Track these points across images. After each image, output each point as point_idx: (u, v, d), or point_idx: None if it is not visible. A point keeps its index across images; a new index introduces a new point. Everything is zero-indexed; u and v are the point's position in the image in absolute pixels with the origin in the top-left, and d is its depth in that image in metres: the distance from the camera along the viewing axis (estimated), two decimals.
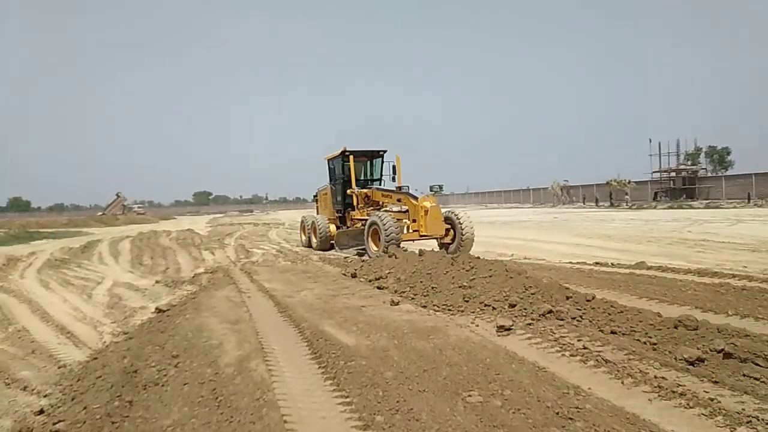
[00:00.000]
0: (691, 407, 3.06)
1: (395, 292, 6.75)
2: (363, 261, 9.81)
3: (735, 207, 31.43)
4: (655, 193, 47.62)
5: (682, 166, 49.59)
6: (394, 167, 13.78)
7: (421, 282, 6.85)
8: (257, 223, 34.74)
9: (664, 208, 35.33)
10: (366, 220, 11.96)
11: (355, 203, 13.60)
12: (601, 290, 6.36)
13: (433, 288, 6.48)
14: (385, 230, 10.50)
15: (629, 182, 46.70)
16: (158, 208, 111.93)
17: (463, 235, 11.09)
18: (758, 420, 2.87)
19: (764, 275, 7.03)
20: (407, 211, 11.84)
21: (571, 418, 2.96)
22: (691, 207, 34.87)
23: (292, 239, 19.17)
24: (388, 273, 7.75)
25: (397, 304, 6.04)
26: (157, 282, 9.32)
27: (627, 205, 42.48)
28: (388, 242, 10.37)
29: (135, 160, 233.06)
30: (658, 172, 49.54)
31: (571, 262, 9.40)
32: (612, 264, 8.73)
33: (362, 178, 14.33)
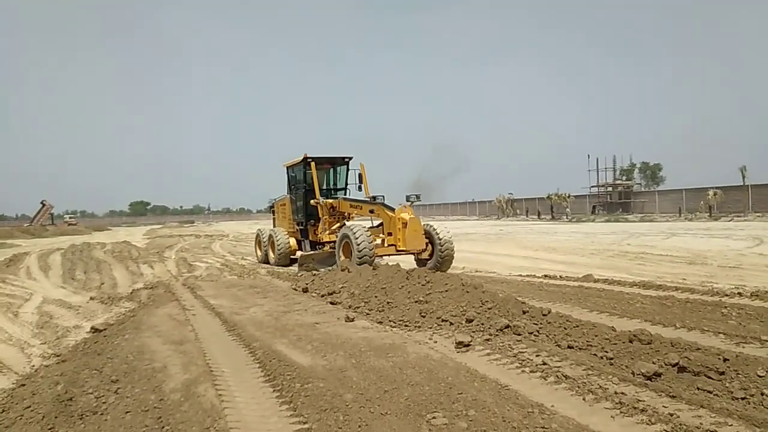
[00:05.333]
0: (652, 423, 3.06)
1: (349, 307, 6.59)
2: (314, 275, 9.56)
3: (668, 221, 33.12)
4: (593, 207, 49.70)
5: (618, 181, 52.20)
6: (360, 175, 12.58)
7: (375, 297, 6.72)
8: (199, 235, 33.66)
9: (602, 222, 36.92)
10: (335, 242, 11.02)
11: (320, 214, 12.52)
12: (554, 303, 6.43)
13: (388, 303, 6.36)
14: (358, 245, 9.52)
15: (569, 196, 48.42)
16: (91, 218, 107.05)
17: (442, 251, 10.17)
18: None
19: (703, 287, 7.35)
20: (381, 224, 10.95)
21: None
22: (627, 220, 36.55)
23: (238, 252, 18.61)
24: (341, 287, 7.57)
25: (352, 320, 5.87)
26: (91, 299, 8.70)
27: (567, 218, 44.10)
28: (360, 258, 9.36)
29: (66, 168, 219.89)
30: (595, 186, 51.93)
31: (521, 275, 9.55)
32: (560, 277, 8.91)
33: (324, 187, 13.14)
